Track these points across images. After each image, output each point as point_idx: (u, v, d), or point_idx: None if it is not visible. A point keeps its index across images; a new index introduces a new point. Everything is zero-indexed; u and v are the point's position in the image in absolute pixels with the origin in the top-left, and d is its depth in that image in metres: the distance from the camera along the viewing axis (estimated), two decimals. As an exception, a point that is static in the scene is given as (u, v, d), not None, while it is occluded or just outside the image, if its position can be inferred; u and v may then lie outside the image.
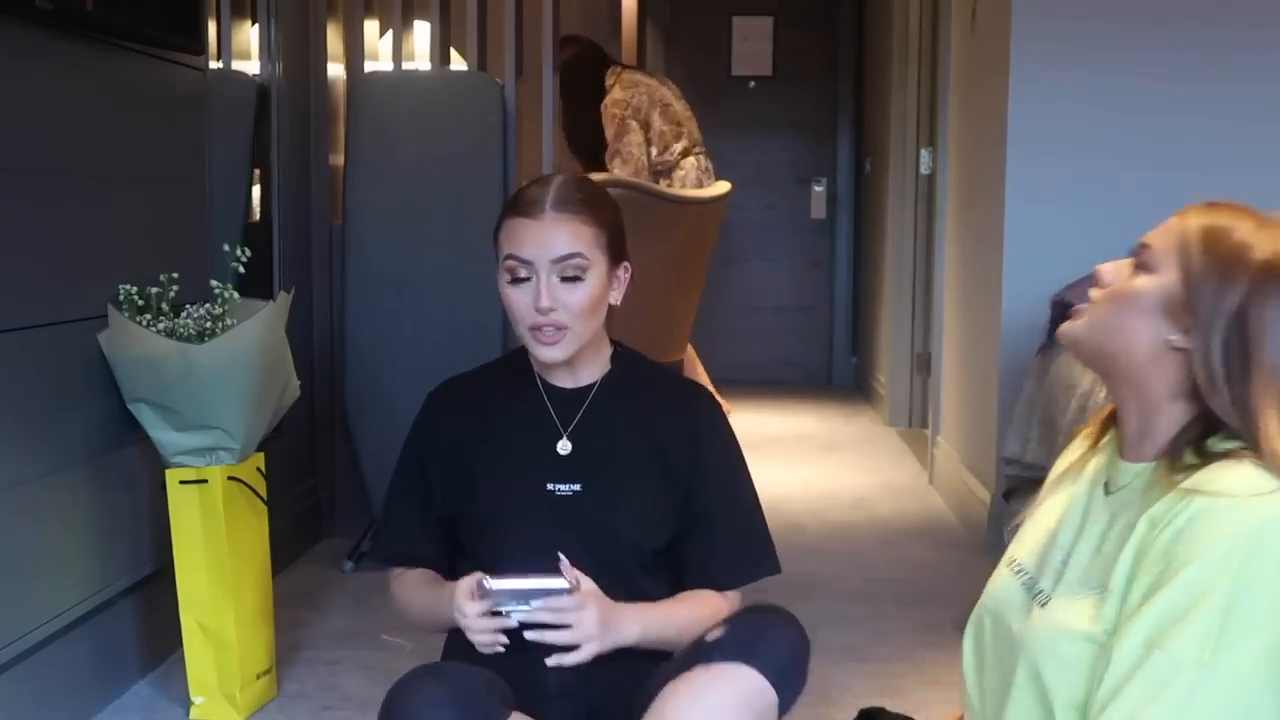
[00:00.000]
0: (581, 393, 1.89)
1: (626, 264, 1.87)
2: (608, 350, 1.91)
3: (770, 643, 1.67)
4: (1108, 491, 1.44)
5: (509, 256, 1.81)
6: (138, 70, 2.72)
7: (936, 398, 4.75)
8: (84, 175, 2.52)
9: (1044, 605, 1.40)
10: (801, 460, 5.15)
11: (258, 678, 2.59)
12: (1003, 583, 1.51)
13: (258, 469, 2.60)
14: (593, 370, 1.90)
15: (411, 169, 3.57)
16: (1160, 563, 1.28)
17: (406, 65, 3.99)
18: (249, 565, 2.57)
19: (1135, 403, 1.40)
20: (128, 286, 2.50)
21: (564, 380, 1.89)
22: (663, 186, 4.50)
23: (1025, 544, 1.52)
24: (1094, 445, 1.51)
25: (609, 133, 4.57)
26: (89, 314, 2.48)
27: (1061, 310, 2.74)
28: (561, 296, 1.78)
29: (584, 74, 4.67)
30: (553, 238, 1.79)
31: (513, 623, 1.69)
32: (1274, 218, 1.38)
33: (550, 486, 1.85)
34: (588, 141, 4.68)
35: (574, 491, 1.84)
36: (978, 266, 3.90)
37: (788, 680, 1.67)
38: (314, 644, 2.96)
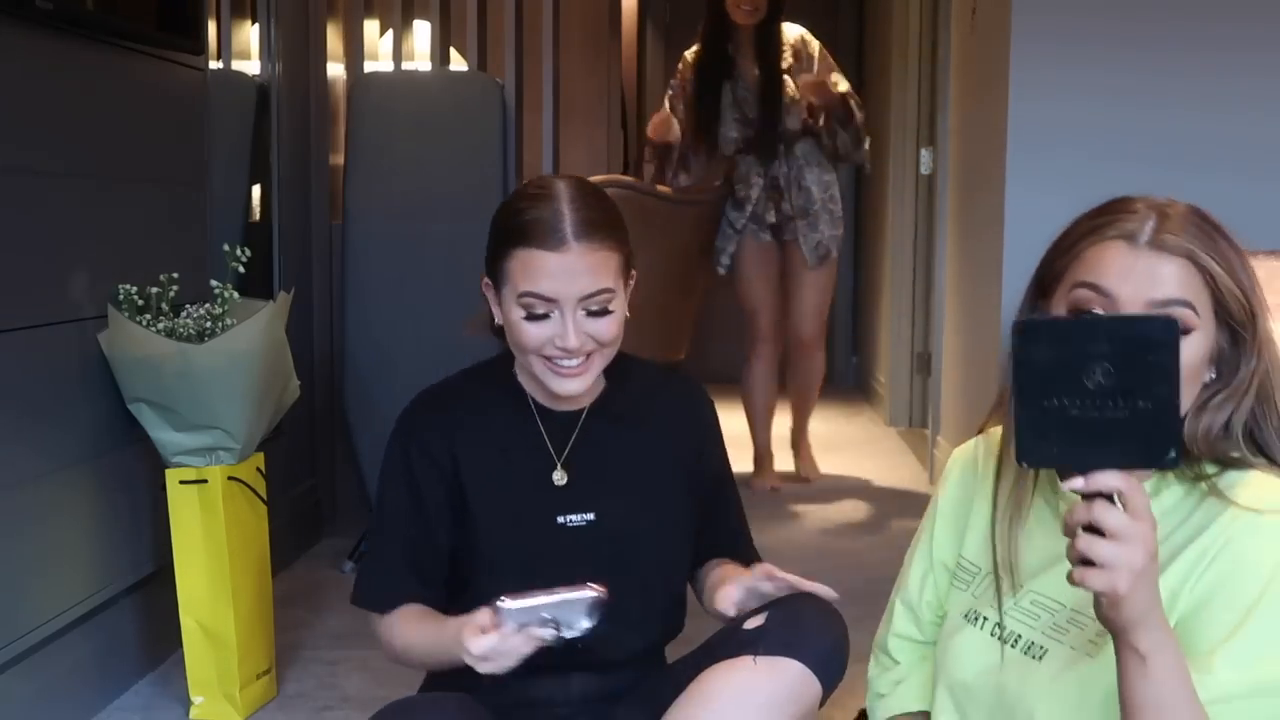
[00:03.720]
0: (574, 416, 1.79)
1: (633, 269, 1.77)
2: (615, 352, 1.79)
3: (814, 634, 1.68)
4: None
5: (527, 294, 1.65)
6: (138, 70, 2.72)
7: (936, 398, 4.75)
8: (84, 175, 2.52)
9: (1039, 659, 1.31)
10: (801, 460, 5.15)
11: (257, 678, 2.59)
12: (971, 638, 1.39)
13: (257, 469, 2.60)
14: (589, 392, 1.78)
15: (411, 169, 3.57)
16: (1225, 592, 1.22)
17: (406, 65, 3.99)
18: (249, 565, 2.57)
19: None
20: (128, 286, 2.50)
21: (557, 402, 1.78)
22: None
23: (978, 593, 1.42)
24: (1019, 480, 1.38)
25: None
26: (89, 314, 2.48)
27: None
28: (588, 329, 1.67)
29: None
30: (578, 275, 1.64)
31: (543, 633, 1.53)
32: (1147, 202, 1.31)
33: (560, 519, 1.75)
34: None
35: (588, 522, 1.75)
36: (978, 266, 3.89)
37: (831, 671, 1.68)
38: (314, 644, 2.96)
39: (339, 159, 3.89)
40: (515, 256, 1.66)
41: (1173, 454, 1.05)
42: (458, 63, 4.29)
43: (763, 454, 4.70)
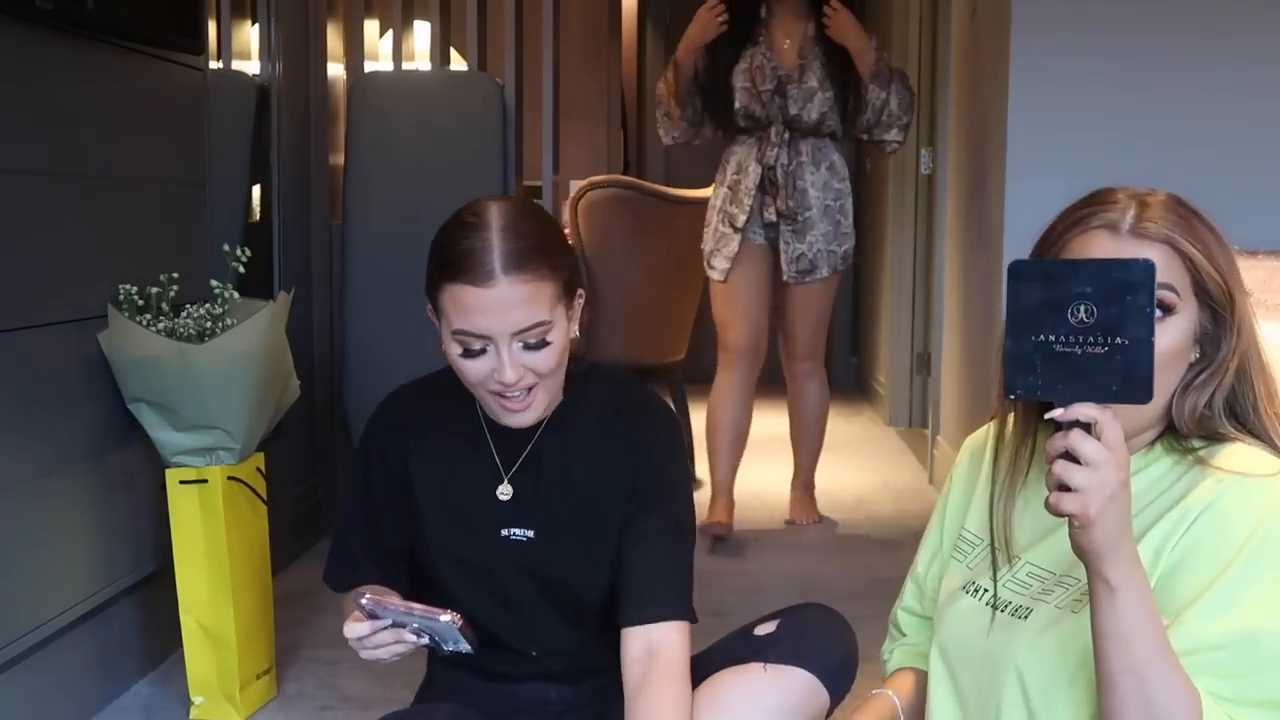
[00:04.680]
0: (528, 432, 1.72)
1: (581, 290, 1.70)
2: (562, 379, 1.72)
3: (824, 645, 1.68)
4: None
5: (460, 332, 1.60)
6: (138, 70, 2.72)
7: (936, 398, 4.75)
8: (84, 175, 2.52)
9: (1025, 618, 1.36)
10: (801, 460, 5.14)
11: (258, 678, 2.59)
12: (964, 606, 1.44)
13: (258, 469, 2.60)
14: (544, 405, 1.71)
15: (411, 169, 3.58)
16: (1204, 548, 1.27)
17: (406, 65, 3.99)
18: (249, 565, 2.57)
19: (1135, 412, 1.32)
20: (128, 286, 2.50)
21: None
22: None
23: (974, 564, 1.46)
24: (1017, 453, 1.42)
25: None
26: (89, 314, 2.48)
27: None
28: (526, 362, 1.61)
29: None
30: (510, 309, 1.57)
31: (411, 638, 1.59)
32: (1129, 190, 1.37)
33: (504, 532, 1.73)
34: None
35: (528, 538, 1.72)
36: (978, 266, 3.90)
37: (839, 682, 1.69)
38: (314, 644, 2.96)
39: (339, 159, 3.89)
40: (446, 291, 1.61)
41: (1147, 389, 1.14)
42: (458, 63, 4.29)
43: (718, 490, 3.94)
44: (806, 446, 4.15)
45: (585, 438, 1.74)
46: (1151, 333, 1.13)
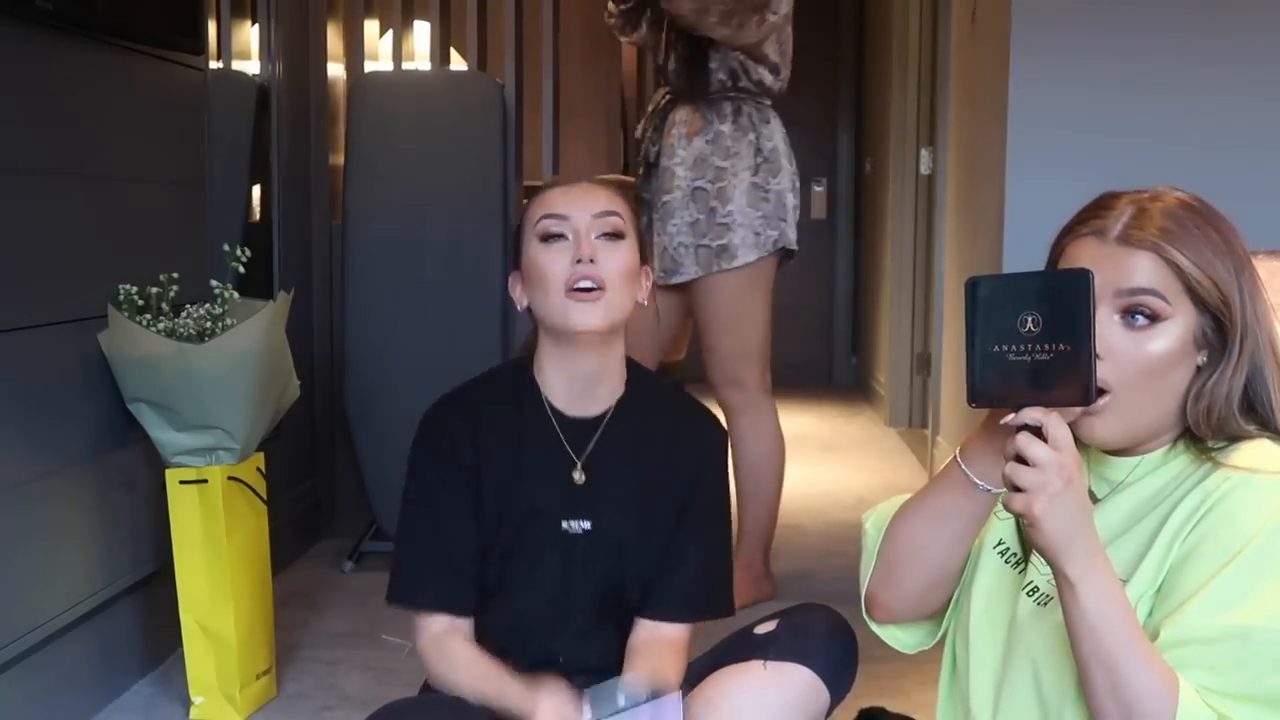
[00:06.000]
0: (594, 420, 1.78)
1: (648, 268, 1.81)
2: (623, 370, 1.80)
3: (825, 644, 1.69)
4: (1093, 497, 1.39)
5: (544, 217, 1.73)
6: (138, 70, 2.72)
7: (936, 398, 4.75)
8: (84, 175, 2.52)
9: (1044, 605, 1.38)
10: (801, 460, 5.15)
11: (257, 678, 2.59)
12: (995, 570, 1.46)
13: (258, 469, 2.60)
14: (608, 394, 1.79)
15: (411, 169, 3.57)
16: (1211, 542, 1.28)
17: (406, 65, 3.99)
18: (249, 565, 2.57)
19: (1137, 419, 1.35)
20: (128, 286, 2.50)
21: (576, 408, 1.78)
22: None
23: (1009, 527, 1.48)
24: None
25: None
26: (89, 314, 2.48)
27: None
28: (600, 254, 1.71)
29: None
30: (591, 196, 1.75)
31: None
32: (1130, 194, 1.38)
33: (564, 525, 1.76)
34: None
35: (584, 530, 1.76)
36: (978, 266, 3.90)
37: (840, 681, 1.70)
38: (314, 644, 2.96)
39: (339, 159, 3.89)
40: (537, 202, 1.77)
41: (1089, 392, 1.21)
42: (458, 63, 4.29)
43: None
44: (751, 512, 3.18)
45: (650, 430, 1.80)
46: (1091, 338, 1.20)
